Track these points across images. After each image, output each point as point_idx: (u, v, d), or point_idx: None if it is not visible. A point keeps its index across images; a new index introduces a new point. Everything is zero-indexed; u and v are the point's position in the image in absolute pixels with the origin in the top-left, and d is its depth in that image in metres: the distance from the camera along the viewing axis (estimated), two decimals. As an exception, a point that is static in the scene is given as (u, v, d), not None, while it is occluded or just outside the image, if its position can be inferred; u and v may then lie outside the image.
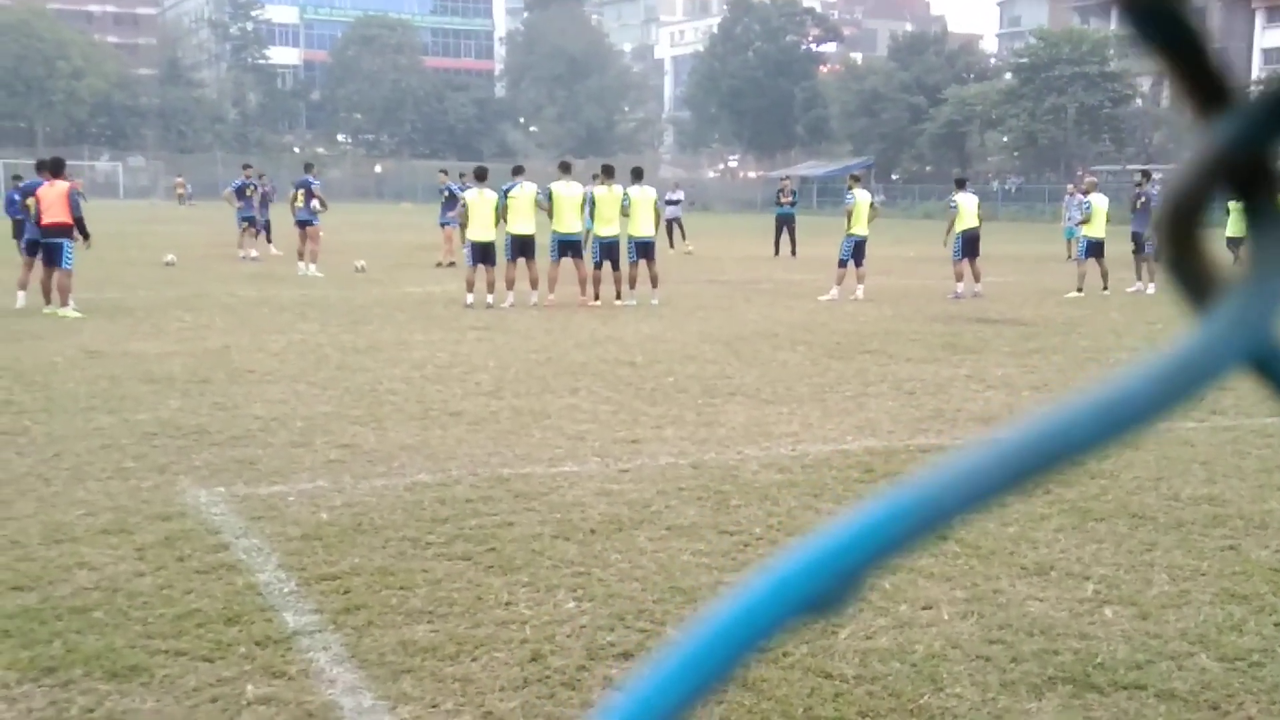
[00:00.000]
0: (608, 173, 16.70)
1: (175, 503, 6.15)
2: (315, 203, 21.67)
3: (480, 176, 16.60)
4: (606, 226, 16.20)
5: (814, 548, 0.30)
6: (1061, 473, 0.32)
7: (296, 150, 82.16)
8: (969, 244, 18.16)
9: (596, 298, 16.22)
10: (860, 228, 17.84)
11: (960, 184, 19.20)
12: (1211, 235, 0.36)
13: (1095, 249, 18.53)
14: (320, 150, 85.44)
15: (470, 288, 15.82)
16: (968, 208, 18.29)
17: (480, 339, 12.73)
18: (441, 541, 5.56)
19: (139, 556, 5.26)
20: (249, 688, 3.98)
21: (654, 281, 16.45)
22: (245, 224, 24.85)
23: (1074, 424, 0.32)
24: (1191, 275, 0.35)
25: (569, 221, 16.08)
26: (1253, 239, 0.35)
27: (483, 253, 15.89)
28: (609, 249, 16.28)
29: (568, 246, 16.20)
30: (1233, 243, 23.09)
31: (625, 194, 16.31)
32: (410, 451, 7.41)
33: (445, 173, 25.35)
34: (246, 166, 26.85)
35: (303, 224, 21.51)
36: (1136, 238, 19.68)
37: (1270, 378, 0.36)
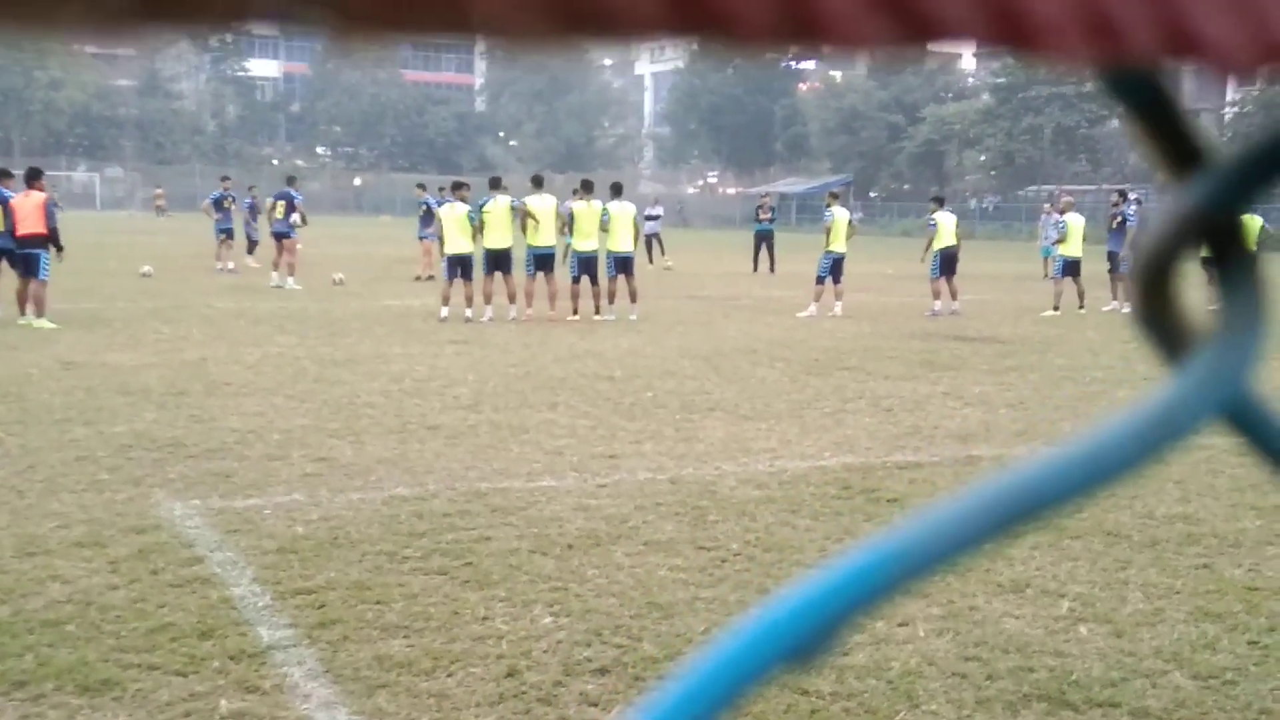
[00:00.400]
0: (586, 188, 16.77)
1: (150, 515, 6.12)
2: (296, 216, 21.63)
3: (456, 189, 16.61)
4: (585, 241, 16.24)
5: (792, 599, 0.31)
6: (1040, 523, 0.33)
7: (275, 162, 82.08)
8: (947, 262, 18.25)
9: (575, 312, 16.24)
10: (839, 245, 17.92)
11: (939, 202, 19.31)
12: (1183, 290, 0.37)
13: (1071, 268, 18.66)
14: (299, 163, 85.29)
15: (446, 301, 15.81)
16: (946, 226, 18.38)
17: (459, 353, 12.71)
18: (418, 556, 5.55)
19: (112, 569, 5.23)
20: (222, 703, 3.96)
21: (633, 296, 16.48)
22: (223, 236, 24.77)
23: (1053, 475, 0.32)
24: (1164, 330, 0.36)
25: (543, 235, 16.12)
26: (1223, 294, 0.36)
27: (459, 266, 15.91)
28: (588, 264, 16.31)
29: (543, 261, 16.24)
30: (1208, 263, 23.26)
31: (604, 209, 16.36)
32: (387, 465, 7.39)
33: (423, 187, 25.35)
34: (225, 179, 26.80)
35: (280, 236, 21.46)
36: (1112, 257, 19.81)
37: (1243, 431, 0.37)
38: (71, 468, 7.09)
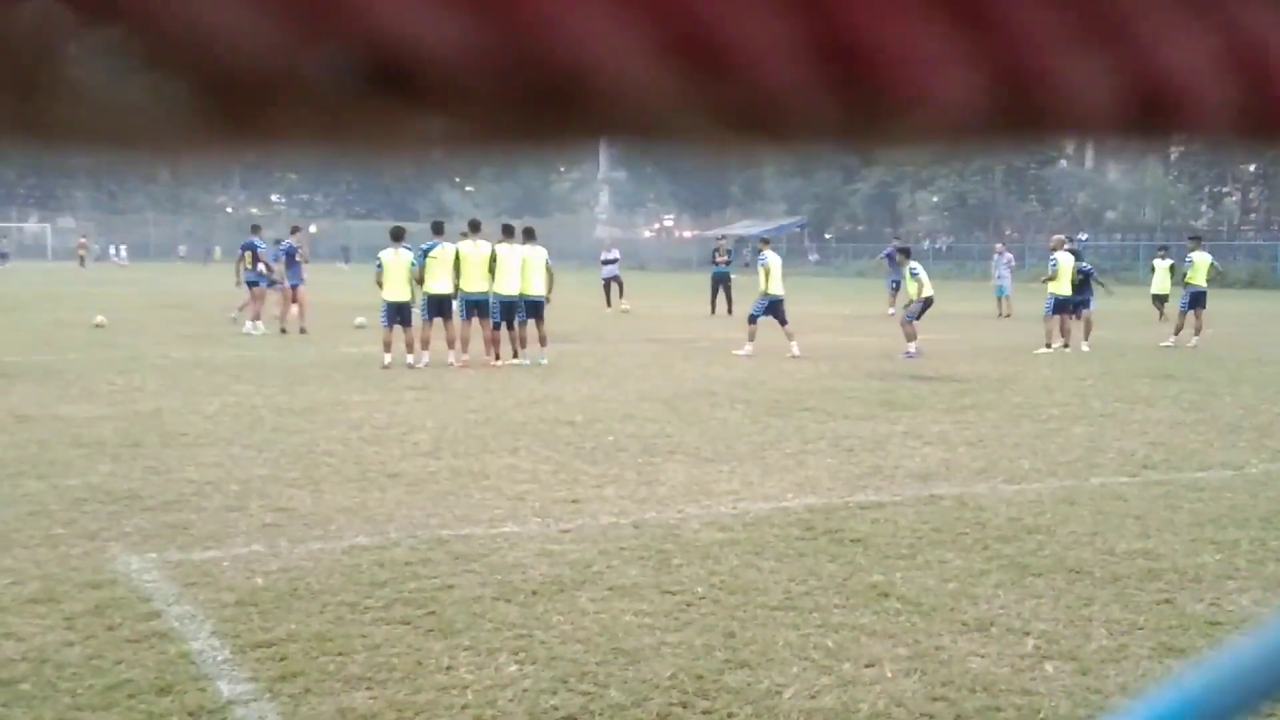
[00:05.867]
0: (507, 232, 16.77)
1: (105, 570, 6.01)
2: (262, 266, 21.66)
3: (396, 237, 16.57)
4: (507, 285, 16.21)
5: None
6: None
7: (229, 210, 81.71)
8: (923, 308, 18.25)
9: (497, 357, 16.22)
10: (774, 288, 17.98)
11: (906, 253, 19.57)
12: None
13: (1062, 306, 18.86)
14: (254, 210, 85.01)
15: (387, 348, 15.74)
16: (925, 278, 18.29)
17: (418, 399, 12.64)
18: (380, 606, 5.48)
19: (68, 626, 5.13)
20: (183, 760, 3.88)
21: (542, 341, 16.45)
22: (251, 287, 24.07)
23: None
24: None
25: (476, 281, 16.10)
26: None
27: (398, 312, 15.89)
28: (509, 308, 16.32)
29: (475, 306, 16.21)
30: (1158, 300, 23.61)
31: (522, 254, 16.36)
32: (347, 514, 7.31)
33: (297, 229, 24.82)
34: (255, 228, 25.29)
35: (250, 285, 21.49)
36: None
37: None
38: (25, 522, 6.96)
